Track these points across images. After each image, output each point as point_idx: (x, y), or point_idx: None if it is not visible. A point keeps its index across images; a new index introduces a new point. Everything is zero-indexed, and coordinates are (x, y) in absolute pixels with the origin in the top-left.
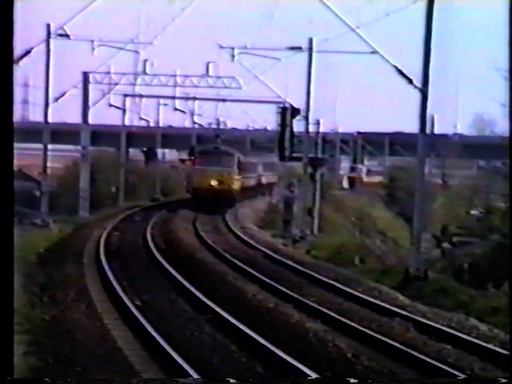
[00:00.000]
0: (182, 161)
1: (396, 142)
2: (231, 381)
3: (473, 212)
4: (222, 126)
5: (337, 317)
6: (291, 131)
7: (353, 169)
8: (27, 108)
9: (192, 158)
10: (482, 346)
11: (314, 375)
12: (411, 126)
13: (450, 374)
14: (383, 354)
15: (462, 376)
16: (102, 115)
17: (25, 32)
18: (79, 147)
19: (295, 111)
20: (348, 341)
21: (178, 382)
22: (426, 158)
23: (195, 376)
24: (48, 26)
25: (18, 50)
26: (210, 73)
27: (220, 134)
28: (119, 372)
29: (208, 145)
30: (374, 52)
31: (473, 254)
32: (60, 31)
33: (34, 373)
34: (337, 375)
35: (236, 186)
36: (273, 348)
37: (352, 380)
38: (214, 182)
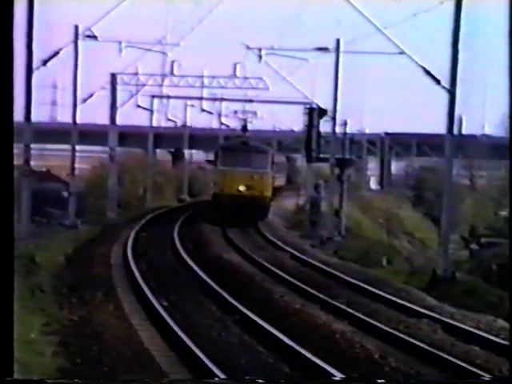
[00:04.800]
0: (209, 161)
1: (423, 143)
2: (260, 381)
3: (501, 213)
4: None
5: (364, 318)
6: (318, 132)
7: None
8: (55, 109)
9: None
10: (510, 347)
11: (340, 376)
12: (439, 127)
13: (477, 375)
14: (411, 356)
15: (488, 377)
16: (129, 116)
17: (53, 33)
18: (107, 148)
19: (322, 112)
20: (375, 342)
21: (204, 383)
22: (454, 158)
23: (222, 376)
24: (76, 27)
25: (46, 51)
26: (237, 74)
27: (247, 126)
28: (146, 372)
29: (234, 139)
30: (402, 52)
31: (501, 254)
32: (88, 32)
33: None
34: (364, 376)
35: (270, 192)
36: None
37: (380, 381)
38: (241, 187)
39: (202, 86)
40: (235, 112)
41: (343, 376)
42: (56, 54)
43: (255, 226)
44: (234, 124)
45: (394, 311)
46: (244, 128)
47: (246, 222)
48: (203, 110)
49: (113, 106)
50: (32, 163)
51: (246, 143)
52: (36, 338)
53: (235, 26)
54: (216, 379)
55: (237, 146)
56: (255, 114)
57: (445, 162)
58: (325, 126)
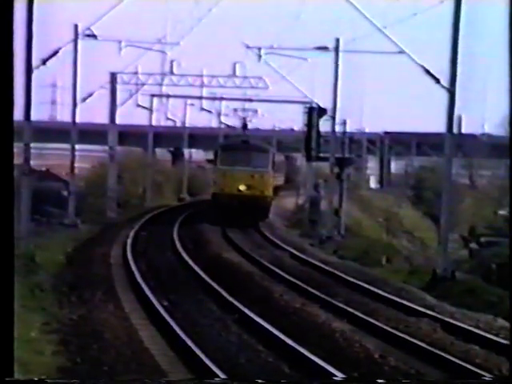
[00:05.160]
0: (209, 161)
1: (423, 142)
2: (260, 381)
3: (500, 212)
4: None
5: (363, 317)
6: (318, 131)
7: None
8: (55, 108)
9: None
10: (510, 346)
11: (340, 375)
12: (438, 126)
13: (477, 374)
14: (410, 355)
15: (488, 377)
16: (129, 115)
17: (53, 33)
18: (106, 147)
19: (322, 111)
20: (375, 341)
21: (204, 383)
22: (454, 158)
23: (222, 376)
24: (76, 26)
25: (45, 50)
26: (237, 73)
27: (247, 125)
28: (146, 372)
29: (234, 138)
30: (401, 52)
31: (501, 254)
32: (87, 32)
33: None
34: (364, 376)
35: (270, 191)
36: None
37: (379, 380)
38: (242, 187)
39: (202, 85)
40: (235, 110)
41: (343, 376)
42: (56, 53)
43: (255, 225)
44: (234, 123)
45: (393, 310)
46: (244, 127)
47: (246, 222)
48: (203, 109)
49: (112, 105)
50: (32, 162)
51: (246, 142)
52: (36, 336)
53: (235, 25)
54: (216, 379)
55: (237, 145)
56: (255, 112)
57: (444, 161)
58: (324, 125)
